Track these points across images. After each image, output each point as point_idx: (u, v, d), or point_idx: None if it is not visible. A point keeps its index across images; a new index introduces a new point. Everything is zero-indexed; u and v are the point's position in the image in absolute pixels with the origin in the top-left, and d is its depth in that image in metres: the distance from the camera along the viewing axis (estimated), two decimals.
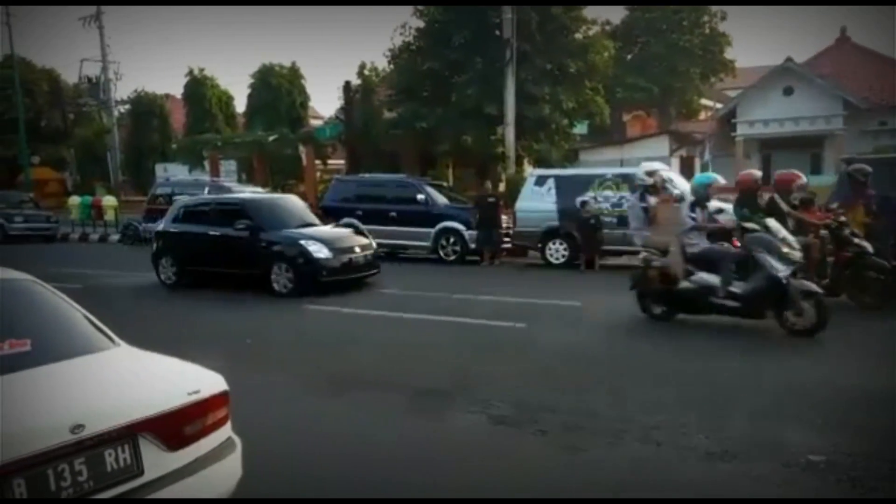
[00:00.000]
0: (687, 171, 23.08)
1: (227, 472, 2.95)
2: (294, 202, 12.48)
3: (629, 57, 32.61)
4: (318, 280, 10.24)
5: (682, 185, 13.20)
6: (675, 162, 23.72)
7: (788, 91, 23.29)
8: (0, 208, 22.16)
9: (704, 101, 35.39)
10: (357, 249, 10.88)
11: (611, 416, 4.83)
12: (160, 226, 12.30)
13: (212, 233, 11.12)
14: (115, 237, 21.15)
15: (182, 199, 13.18)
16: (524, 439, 4.51)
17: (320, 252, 10.29)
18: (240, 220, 10.74)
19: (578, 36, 21.69)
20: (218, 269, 11.17)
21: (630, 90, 31.28)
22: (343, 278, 10.49)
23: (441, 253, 14.56)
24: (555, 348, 6.96)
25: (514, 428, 4.70)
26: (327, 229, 11.53)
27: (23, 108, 32.52)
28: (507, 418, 4.86)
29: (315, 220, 11.94)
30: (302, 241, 10.40)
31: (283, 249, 10.41)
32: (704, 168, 25.15)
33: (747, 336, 7.16)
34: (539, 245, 13.91)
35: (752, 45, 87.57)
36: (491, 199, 14.41)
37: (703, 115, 34.56)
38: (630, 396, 5.32)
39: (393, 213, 15.09)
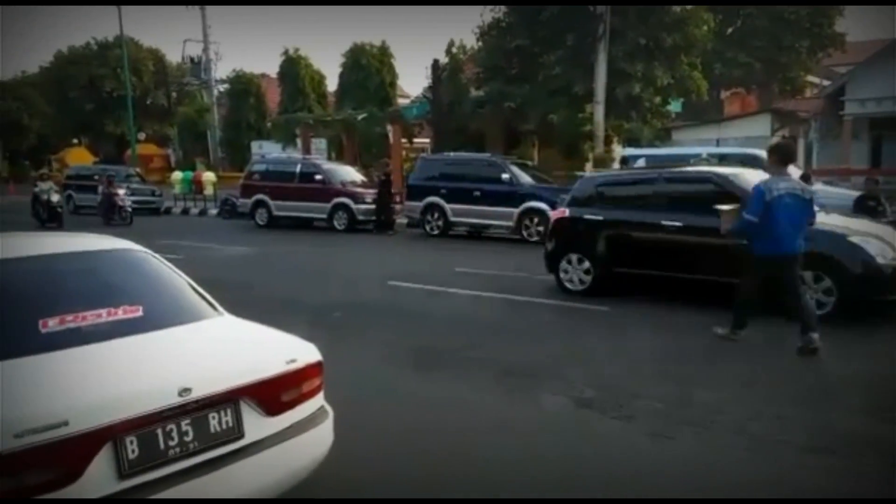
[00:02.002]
0: None
1: (321, 439, 3.05)
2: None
3: (730, 30, 31.04)
4: (877, 298, 6.86)
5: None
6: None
7: None
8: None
9: (810, 78, 33.33)
10: None
11: (701, 405, 4.68)
12: (564, 212, 8.98)
13: (666, 223, 7.79)
14: (213, 211, 22.17)
15: (593, 175, 9.61)
16: (610, 423, 4.44)
17: (884, 255, 6.81)
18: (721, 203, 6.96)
19: (676, 9, 20.83)
20: (673, 273, 7.83)
21: (729, 66, 29.85)
22: None
23: (524, 233, 14.44)
24: (638, 332, 6.81)
25: (599, 412, 4.63)
26: (860, 219, 8.12)
27: (131, 87, 34.38)
28: (591, 402, 4.80)
29: None
30: (854, 239, 6.92)
31: (815, 249, 6.56)
32: (809, 149, 23.82)
33: (852, 330, 6.76)
34: None
35: (865, 17, 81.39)
36: None
37: (808, 93, 32.59)
38: (724, 385, 5.13)
39: (477, 193, 15.05)
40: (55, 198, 18.58)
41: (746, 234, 6.16)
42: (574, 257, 8.62)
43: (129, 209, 19.20)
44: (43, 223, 18.08)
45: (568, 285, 8.66)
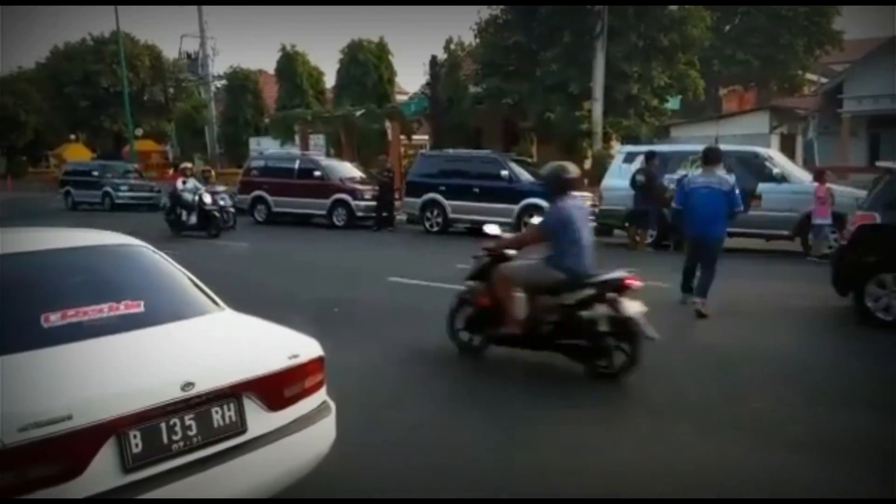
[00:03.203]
0: (787, 149, 21.92)
1: (323, 434, 3.05)
2: None
3: (728, 28, 31.04)
4: None
5: (782, 164, 12.57)
6: (775, 139, 22.50)
7: None
8: (108, 178, 23.63)
9: (808, 76, 33.33)
10: None
11: (700, 401, 4.70)
12: (871, 217, 7.07)
13: None
14: None
15: None
16: (610, 420, 4.45)
17: None
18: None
19: (673, 9, 20.82)
20: None
21: (727, 63, 29.84)
22: None
23: (524, 230, 14.42)
24: None
25: (597, 409, 4.64)
26: None
27: (127, 83, 34.22)
28: (588, 398, 4.80)
29: None
30: None
31: None
32: (808, 146, 23.84)
33: (847, 328, 6.79)
34: (625, 224, 13.56)
35: (863, 14, 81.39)
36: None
37: (806, 91, 32.61)
38: (722, 381, 5.15)
39: (476, 189, 15.07)
40: (208, 199, 14.95)
41: (680, 220, 7.81)
42: (892, 277, 6.72)
43: (232, 210, 15.87)
44: (182, 229, 14.89)
45: (881, 315, 6.74)
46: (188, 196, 14.93)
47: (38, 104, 44.47)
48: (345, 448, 3.27)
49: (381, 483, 3.56)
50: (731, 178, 7.41)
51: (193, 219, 14.86)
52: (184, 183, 15.22)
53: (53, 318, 2.76)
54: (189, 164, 17.16)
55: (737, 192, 7.25)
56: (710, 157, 7.66)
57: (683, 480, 3.59)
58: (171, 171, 18.42)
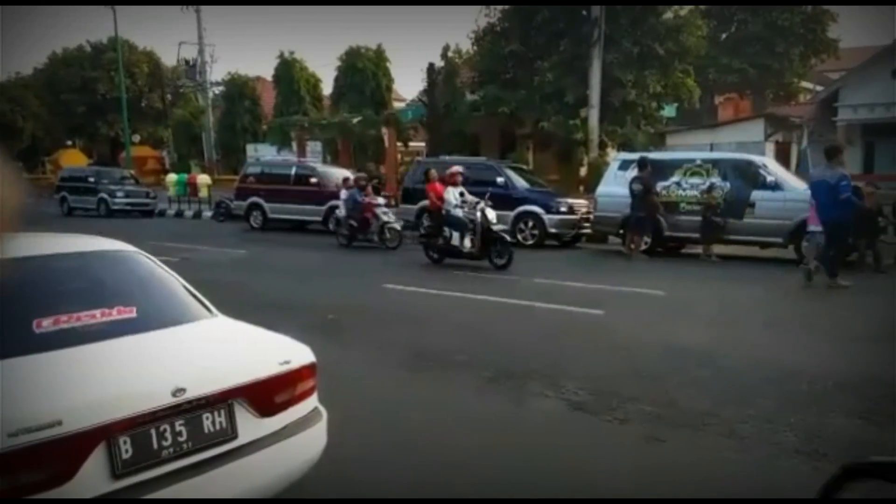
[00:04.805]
0: (782, 157, 22.03)
1: (314, 440, 3.05)
2: None
3: (724, 36, 31.22)
4: None
5: (776, 171, 12.61)
6: (770, 147, 22.61)
7: None
8: (104, 184, 23.61)
9: (804, 84, 33.51)
10: None
11: (694, 408, 4.70)
12: None
13: None
14: (208, 214, 22.12)
15: None
16: (602, 427, 4.45)
17: None
18: None
19: (668, 16, 20.92)
20: None
21: (723, 71, 29.98)
22: None
23: (519, 237, 14.47)
24: (634, 336, 6.82)
25: (591, 415, 4.64)
26: None
27: (125, 89, 34.25)
28: (584, 404, 4.81)
29: None
30: None
31: None
32: (802, 155, 23.94)
33: (840, 332, 6.80)
34: (620, 231, 13.60)
35: (858, 23, 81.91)
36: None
37: (801, 99, 32.78)
38: (715, 388, 5.15)
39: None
40: (492, 214, 11.09)
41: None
42: None
43: (398, 227, 13.46)
44: (448, 255, 11.34)
45: None
46: (459, 213, 11.10)
47: (35, 110, 44.48)
48: (339, 452, 3.27)
49: (376, 485, 3.56)
50: (841, 172, 8.79)
51: (469, 243, 10.90)
52: (461, 195, 11.36)
53: (46, 324, 2.76)
54: (459, 168, 12.11)
55: (843, 183, 8.55)
56: (829, 153, 9.07)
57: (680, 484, 3.60)
58: (431, 182, 12.23)
